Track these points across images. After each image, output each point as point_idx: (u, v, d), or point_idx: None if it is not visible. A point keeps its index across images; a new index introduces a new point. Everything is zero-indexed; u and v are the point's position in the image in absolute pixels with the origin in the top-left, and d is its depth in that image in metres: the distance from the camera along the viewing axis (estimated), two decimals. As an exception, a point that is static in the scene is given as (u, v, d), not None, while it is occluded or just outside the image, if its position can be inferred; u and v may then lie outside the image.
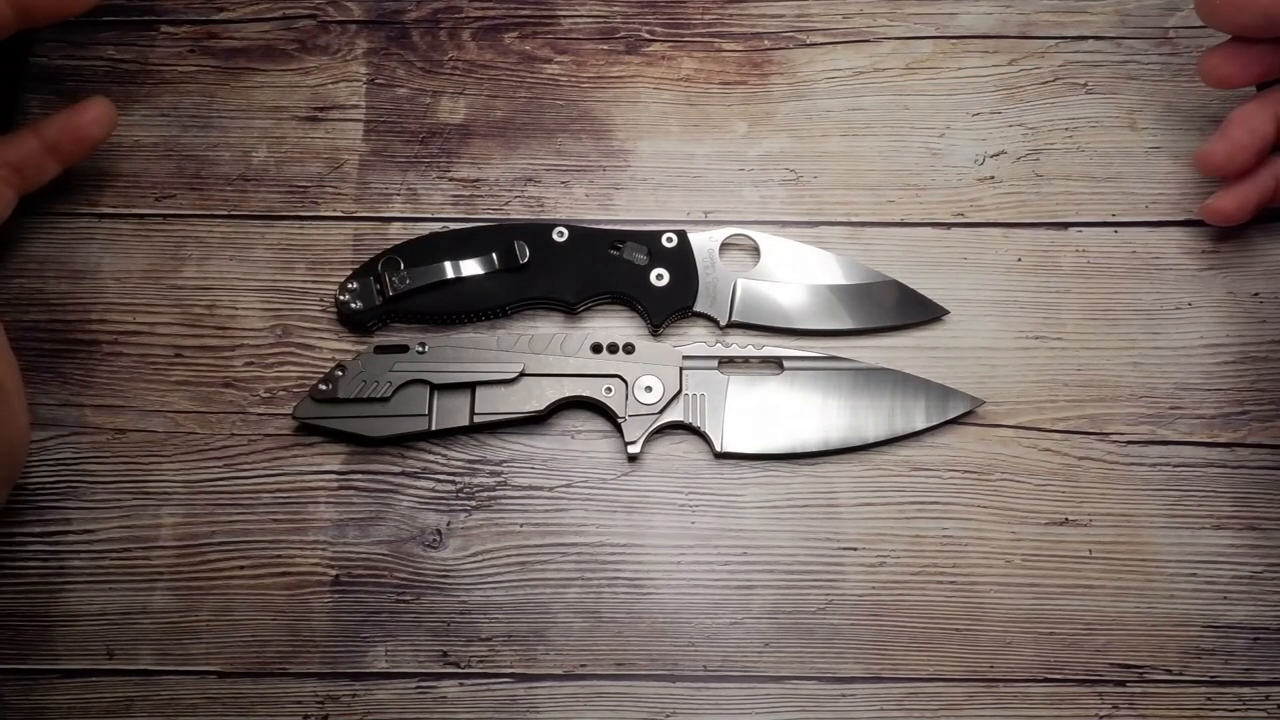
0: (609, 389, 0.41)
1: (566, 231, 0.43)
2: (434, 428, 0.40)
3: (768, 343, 0.42)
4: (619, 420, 0.40)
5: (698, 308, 0.42)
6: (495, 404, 0.40)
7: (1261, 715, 0.38)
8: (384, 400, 0.40)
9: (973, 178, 0.45)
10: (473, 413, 0.40)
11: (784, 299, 0.43)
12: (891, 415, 0.41)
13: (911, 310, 0.42)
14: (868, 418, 0.41)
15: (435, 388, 0.40)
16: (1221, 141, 0.41)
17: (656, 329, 0.42)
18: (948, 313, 0.43)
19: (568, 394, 0.40)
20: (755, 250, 0.43)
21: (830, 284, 0.43)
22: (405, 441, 0.41)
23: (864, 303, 0.42)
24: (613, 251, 0.43)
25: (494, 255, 0.42)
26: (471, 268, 0.42)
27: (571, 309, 0.42)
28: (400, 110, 0.46)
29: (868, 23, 0.48)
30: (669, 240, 0.43)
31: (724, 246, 0.43)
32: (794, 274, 0.43)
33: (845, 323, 0.42)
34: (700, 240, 0.43)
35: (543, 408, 0.40)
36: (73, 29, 0.47)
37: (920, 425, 0.41)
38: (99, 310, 0.43)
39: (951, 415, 0.41)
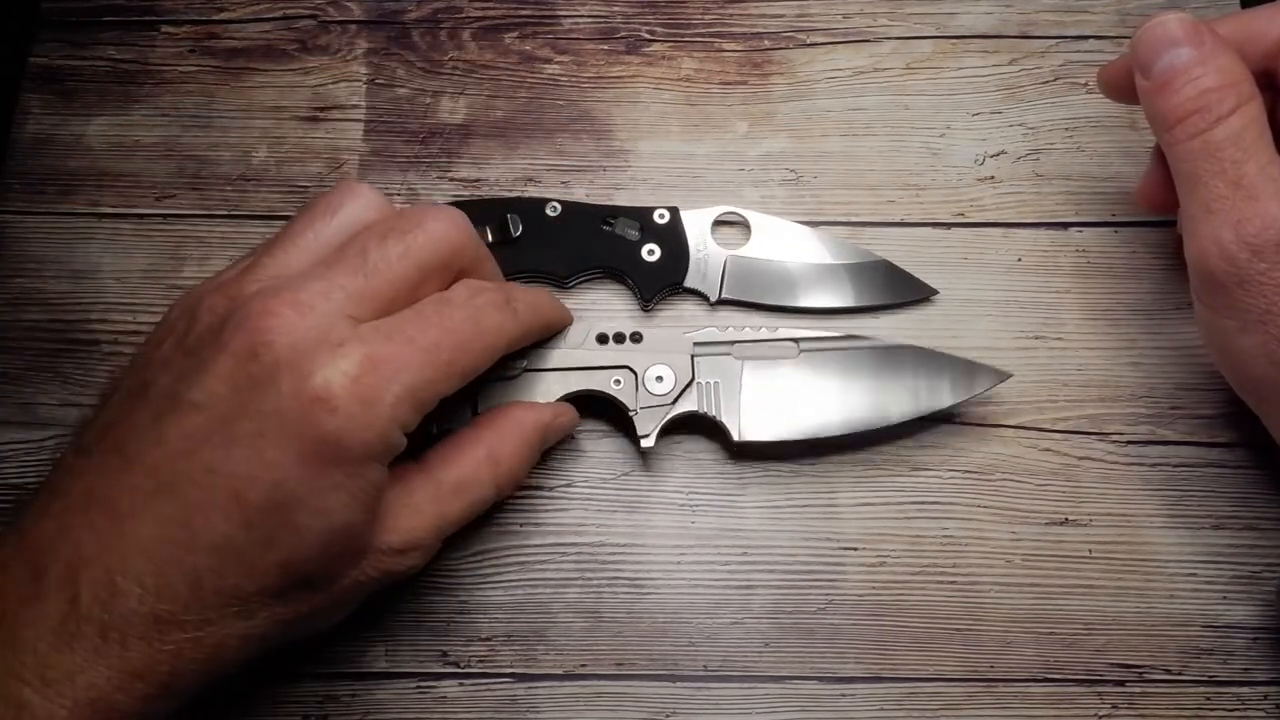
0: (617, 381, 0.39)
1: (560, 206, 0.43)
2: (436, 430, 0.39)
3: (781, 324, 0.41)
4: (630, 413, 0.39)
5: (688, 283, 0.42)
6: (498, 401, 0.39)
7: (1260, 715, 0.38)
8: None
9: (973, 178, 0.45)
10: (475, 412, 0.39)
11: (774, 276, 0.43)
12: (916, 394, 0.39)
13: (901, 289, 0.43)
14: (890, 397, 0.39)
15: None
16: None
17: (647, 303, 0.42)
18: (936, 292, 0.43)
19: (574, 388, 0.39)
20: (746, 228, 0.43)
21: (820, 262, 0.43)
22: None
23: (854, 281, 0.42)
24: (605, 227, 0.43)
25: (487, 228, 0.42)
26: None
27: (563, 283, 0.43)
28: (400, 110, 0.46)
29: (868, 23, 0.48)
30: (661, 216, 0.43)
31: (716, 224, 0.43)
32: (785, 252, 0.43)
33: (835, 301, 0.42)
34: (692, 217, 0.43)
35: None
36: (73, 29, 0.47)
37: (947, 403, 0.39)
38: (99, 310, 0.43)
39: (979, 390, 0.39)
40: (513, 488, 0.37)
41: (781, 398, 0.39)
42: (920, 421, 0.40)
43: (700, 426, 0.41)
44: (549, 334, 0.39)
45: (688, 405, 0.39)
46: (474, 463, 0.36)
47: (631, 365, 0.39)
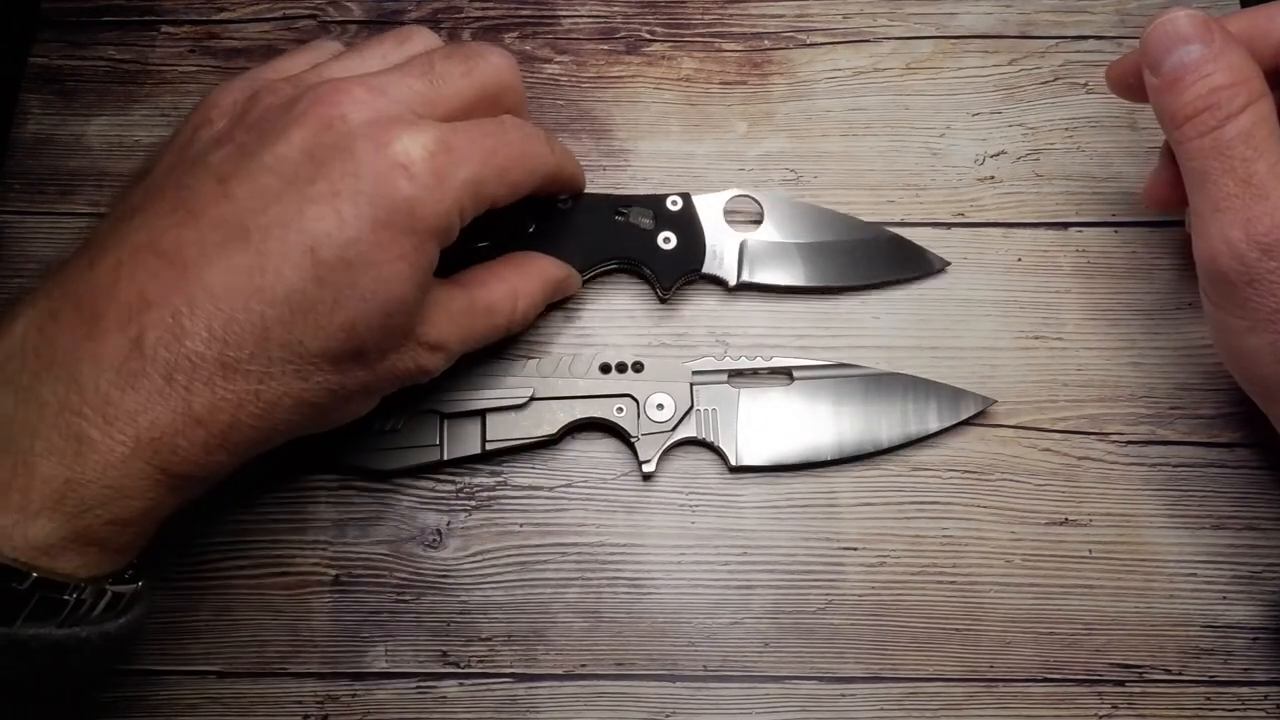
0: (620, 409, 0.40)
1: (569, 199, 0.42)
2: (446, 457, 0.40)
3: (776, 354, 0.42)
4: (632, 440, 0.40)
5: (706, 269, 0.42)
6: (506, 430, 0.40)
7: (1260, 715, 0.38)
8: (394, 432, 0.39)
9: (973, 178, 0.45)
10: (484, 440, 0.40)
11: (789, 258, 0.43)
12: (905, 419, 0.40)
13: (914, 263, 0.43)
14: (880, 423, 0.40)
15: (445, 416, 0.40)
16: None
17: (666, 292, 0.42)
18: (949, 264, 0.43)
19: (579, 416, 0.40)
20: (759, 210, 0.43)
21: (834, 239, 0.43)
22: (418, 473, 0.40)
23: (867, 257, 0.43)
24: (618, 217, 0.42)
25: (499, 226, 0.41)
26: (477, 239, 0.41)
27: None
28: (400, 110, 0.46)
29: (868, 23, 0.48)
30: (674, 203, 0.43)
31: (728, 208, 0.43)
32: (798, 232, 0.43)
33: (850, 279, 0.43)
34: (705, 202, 0.43)
35: (555, 431, 0.40)
36: (73, 29, 0.47)
37: (934, 428, 0.40)
38: (99, 310, 0.43)
39: (964, 416, 0.41)
40: (522, 327, 0.39)
41: (776, 424, 0.41)
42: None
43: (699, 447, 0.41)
44: (568, 189, 0.42)
45: (687, 431, 0.40)
46: (500, 293, 0.38)
47: (633, 394, 0.40)
